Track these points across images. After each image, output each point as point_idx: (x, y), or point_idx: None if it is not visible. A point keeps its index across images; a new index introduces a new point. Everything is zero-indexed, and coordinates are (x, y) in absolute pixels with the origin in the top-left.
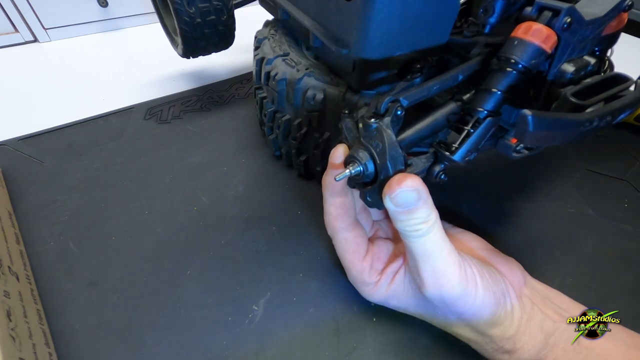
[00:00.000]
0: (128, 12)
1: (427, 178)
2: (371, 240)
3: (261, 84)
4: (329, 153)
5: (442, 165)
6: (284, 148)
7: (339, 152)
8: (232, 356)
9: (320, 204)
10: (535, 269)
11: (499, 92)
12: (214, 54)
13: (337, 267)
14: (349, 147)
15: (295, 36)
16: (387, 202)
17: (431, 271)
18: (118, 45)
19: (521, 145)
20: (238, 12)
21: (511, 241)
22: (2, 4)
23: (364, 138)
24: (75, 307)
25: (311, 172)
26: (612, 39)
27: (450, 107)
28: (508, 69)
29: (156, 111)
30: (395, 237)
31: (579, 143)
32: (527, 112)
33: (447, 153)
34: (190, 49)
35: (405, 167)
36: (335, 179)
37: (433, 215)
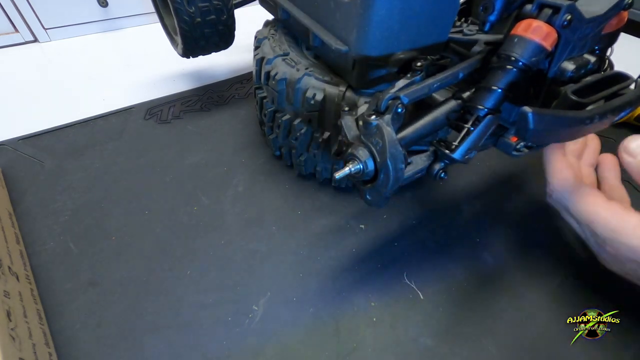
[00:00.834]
0: (128, 12)
1: (427, 176)
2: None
3: (261, 83)
4: (329, 153)
5: (442, 164)
6: (284, 148)
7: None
8: (232, 356)
9: (319, 203)
10: (535, 269)
11: (499, 90)
12: (214, 54)
13: (337, 267)
14: (349, 145)
15: (295, 36)
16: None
17: None
18: (118, 45)
19: (521, 143)
20: (238, 12)
21: (511, 241)
22: (2, 4)
23: (364, 136)
24: (75, 307)
25: (311, 172)
26: (612, 38)
27: (451, 105)
28: (508, 67)
29: (156, 111)
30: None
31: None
32: (528, 109)
33: (447, 151)
34: (190, 49)
35: (405, 165)
36: (335, 176)
37: None
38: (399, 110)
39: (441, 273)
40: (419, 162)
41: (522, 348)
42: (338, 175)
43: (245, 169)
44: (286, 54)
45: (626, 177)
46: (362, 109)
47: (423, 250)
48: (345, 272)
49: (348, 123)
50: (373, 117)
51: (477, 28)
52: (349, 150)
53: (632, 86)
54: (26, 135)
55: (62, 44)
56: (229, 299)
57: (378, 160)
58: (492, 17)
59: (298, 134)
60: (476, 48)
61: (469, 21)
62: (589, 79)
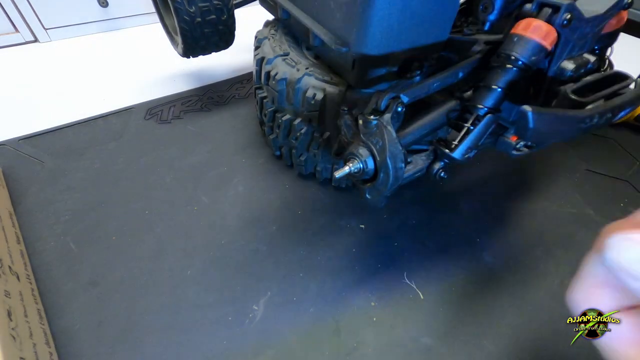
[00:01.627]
0: (128, 12)
1: (427, 176)
2: None
3: (261, 83)
4: (329, 152)
5: (442, 163)
6: (284, 148)
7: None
8: (232, 356)
9: (320, 203)
10: (535, 269)
11: (499, 89)
12: (214, 53)
13: (337, 267)
14: (348, 145)
15: (296, 36)
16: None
17: None
18: (118, 45)
19: (521, 143)
20: (238, 12)
21: (511, 241)
22: (2, 4)
23: (364, 135)
24: (75, 306)
25: (311, 172)
26: (611, 37)
27: (450, 104)
28: (508, 66)
29: (156, 111)
30: None
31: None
32: (527, 108)
33: (447, 150)
34: (190, 49)
35: (405, 164)
36: (335, 176)
37: None
38: (399, 109)
39: (441, 273)
40: (419, 161)
41: (522, 348)
42: (338, 174)
43: (245, 169)
44: (286, 54)
45: (626, 177)
46: (362, 108)
47: (423, 250)
48: (345, 272)
49: (348, 122)
50: (373, 116)
51: (477, 28)
52: (349, 150)
53: (632, 86)
54: (26, 135)
55: (62, 44)
56: (229, 299)
57: (378, 159)
58: (492, 17)
59: (298, 134)
60: (476, 47)
61: (469, 21)
62: (588, 78)
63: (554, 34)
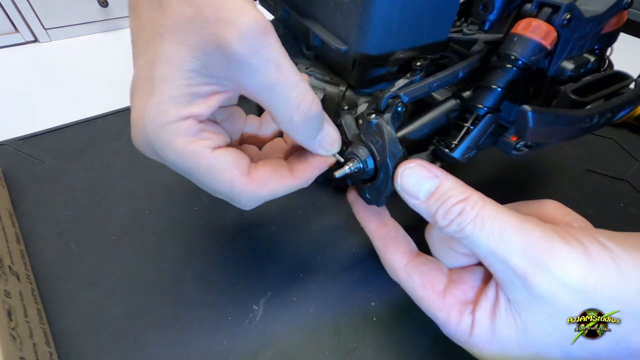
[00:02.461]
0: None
1: None
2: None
3: None
4: None
5: (442, 163)
6: None
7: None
8: (232, 356)
9: (320, 203)
10: None
11: (499, 89)
12: None
13: (337, 267)
14: (348, 144)
15: (296, 35)
16: (400, 192)
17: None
18: (118, 45)
19: (521, 143)
20: None
21: None
22: (2, 4)
23: (364, 134)
24: (75, 307)
25: None
26: (611, 37)
27: (450, 104)
28: (508, 66)
29: None
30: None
31: (579, 138)
32: (527, 107)
33: (447, 150)
34: None
35: None
36: (335, 175)
37: (469, 191)
38: (399, 109)
39: None
40: None
41: None
42: (338, 174)
43: None
44: None
45: (626, 177)
46: (362, 107)
47: (423, 250)
48: (346, 272)
49: (348, 122)
50: (373, 115)
51: (477, 28)
52: (349, 149)
53: (632, 85)
54: (26, 135)
55: (62, 44)
56: (229, 299)
57: (378, 159)
58: (491, 16)
59: None
60: (476, 47)
61: (469, 21)
62: (588, 78)
63: (553, 34)
